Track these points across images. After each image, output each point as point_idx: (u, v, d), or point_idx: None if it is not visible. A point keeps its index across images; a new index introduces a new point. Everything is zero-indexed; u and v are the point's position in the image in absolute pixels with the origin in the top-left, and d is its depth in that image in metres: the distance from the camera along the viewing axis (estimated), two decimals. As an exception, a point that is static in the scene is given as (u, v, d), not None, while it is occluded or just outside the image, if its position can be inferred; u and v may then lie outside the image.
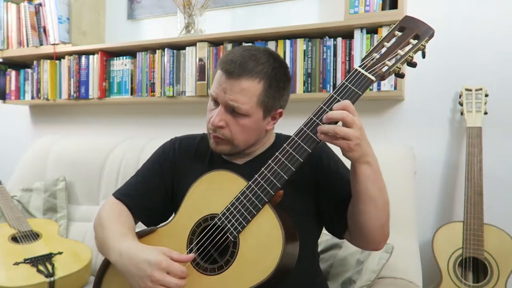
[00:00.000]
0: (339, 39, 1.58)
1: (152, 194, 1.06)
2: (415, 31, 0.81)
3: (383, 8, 1.51)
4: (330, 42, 1.59)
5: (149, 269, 0.80)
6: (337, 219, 0.96)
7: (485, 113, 1.46)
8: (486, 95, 1.47)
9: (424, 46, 0.81)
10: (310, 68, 1.62)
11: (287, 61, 1.65)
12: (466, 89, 1.49)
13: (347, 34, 1.58)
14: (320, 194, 0.98)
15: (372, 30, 1.54)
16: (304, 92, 1.63)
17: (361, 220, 0.87)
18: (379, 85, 1.53)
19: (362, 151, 0.80)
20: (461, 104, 1.50)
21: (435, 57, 1.59)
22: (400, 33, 0.82)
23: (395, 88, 1.51)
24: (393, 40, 0.82)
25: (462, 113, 1.49)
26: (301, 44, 1.64)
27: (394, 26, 0.83)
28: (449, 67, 1.58)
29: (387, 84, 1.52)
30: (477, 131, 1.44)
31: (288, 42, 1.66)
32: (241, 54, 0.93)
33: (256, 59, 0.93)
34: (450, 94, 1.59)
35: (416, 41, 0.80)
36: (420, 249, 1.32)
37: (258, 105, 0.93)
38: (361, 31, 1.54)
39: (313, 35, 1.63)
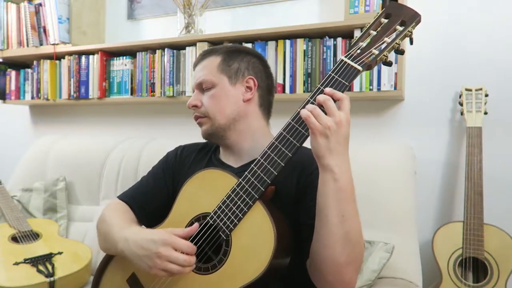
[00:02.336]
0: (339, 39, 1.58)
1: (155, 197, 1.08)
2: (401, 17, 0.78)
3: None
4: (330, 42, 1.59)
5: (154, 247, 0.81)
6: (304, 241, 0.87)
7: (485, 113, 1.46)
8: (486, 95, 1.47)
9: (411, 32, 0.78)
10: (310, 68, 1.62)
11: (287, 61, 1.65)
12: (466, 89, 1.49)
13: (347, 34, 1.58)
14: (298, 209, 0.92)
15: (372, 30, 1.54)
16: (304, 92, 1.63)
17: (316, 246, 0.79)
18: (379, 85, 1.53)
19: (326, 149, 0.73)
20: (461, 104, 1.50)
21: (435, 57, 1.60)
22: (386, 20, 0.79)
23: (395, 88, 1.51)
24: (379, 28, 0.79)
25: (462, 113, 1.49)
26: (301, 44, 1.64)
27: (379, 13, 0.81)
28: (449, 67, 1.58)
29: (387, 84, 1.52)
30: (477, 131, 1.44)
31: (288, 42, 1.66)
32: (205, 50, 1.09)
33: (214, 47, 1.07)
34: (450, 94, 1.59)
35: (403, 27, 0.78)
36: (420, 249, 1.32)
37: (219, 72, 1.01)
38: (361, 31, 1.53)
39: (313, 35, 1.63)
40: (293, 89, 1.64)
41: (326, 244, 0.76)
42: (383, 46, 0.77)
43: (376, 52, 0.77)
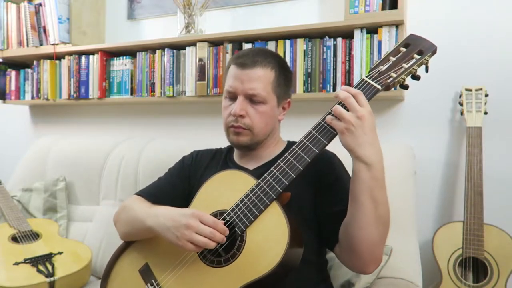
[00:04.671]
0: (339, 39, 1.58)
1: (172, 196, 1.12)
2: (419, 47, 0.86)
3: (383, 8, 1.51)
4: (330, 42, 1.59)
5: (183, 219, 0.85)
6: (330, 231, 0.95)
7: (485, 113, 1.46)
8: (486, 95, 1.47)
9: (427, 60, 0.86)
10: (310, 68, 1.62)
11: (287, 61, 1.64)
12: (466, 89, 1.49)
13: (347, 34, 1.58)
14: (317, 204, 0.99)
15: (372, 30, 1.54)
16: (304, 92, 1.63)
17: (350, 229, 0.85)
18: (379, 85, 1.53)
19: (356, 143, 0.79)
20: (461, 104, 1.50)
21: (435, 57, 1.58)
22: (405, 49, 0.88)
23: (395, 88, 1.51)
24: (398, 55, 0.87)
25: (462, 113, 1.49)
26: (301, 44, 1.64)
27: (399, 43, 0.90)
28: (449, 67, 1.58)
29: (387, 84, 1.52)
30: (477, 131, 1.44)
31: (288, 42, 1.66)
32: (250, 49, 1.07)
33: (264, 53, 1.05)
34: (450, 94, 1.59)
35: (420, 56, 0.86)
36: (420, 249, 1.32)
37: (273, 91, 1.03)
38: (361, 31, 1.54)
39: (313, 35, 1.63)
40: (293, 89, 1.64)
41: (362, 226, 0.83)
42: (400, 71, 0.85)
43: (394, 75, 0.85)
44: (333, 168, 1.02)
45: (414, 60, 0.85)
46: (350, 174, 0.99)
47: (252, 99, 1.01)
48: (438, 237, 1.45)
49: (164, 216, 0.91)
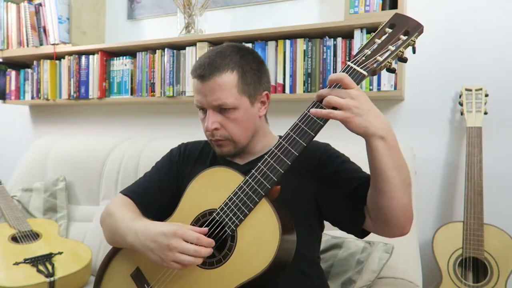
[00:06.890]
0: (339, 39, 1.58)
1: (158, 192, 1.09)
2: (405, 28, 0.82)
3: (383, 8, 1.51)
4: (330, 42, 1.59)
5: (165, 239, 0.82)
6: (351, 213, 0.92)
7: (485, 113, 1.46)
8: (486, 95, 1.47)
9: (414, 41, 0.82)
10: (310, 68, 1.62)
11: (287, 61, 1.65)
12: (466, 89, 1.49)
13: (347, 34, 1.58)
14: (326, 198, 0.96)
15: (372, 30, 1.54)
16: (304, 92, 1.63)
17: (381, 201, 0.83)
18: (379, 85, 1.53)
19: (366, 122, 0.76)
20: (461, 104, 1.50)
21: (435, 57, 1.60)
22: (390, 30, 0.83)
23: (395, 88, 1.51)
24: (384, 36, 0.83)
25: (462, 113, 1.49)
26: (301, 44, 1.64)
27: (384, 23, 0.85)
28: (449, 67, 1.58)
29: (387, 84, 1.52)
30: (477, 131, 1.45)
31: (288, 42, 1.66)
32: (207, 55, 0.99)
33: (221, 54, 0.98)
34: (450, 94, 1.59)
35: (406, 37, 0.82)
36: (420, 249, 1.32)
37: (241, 94, 0.96)
38: (361, 31, 1.54)
39: (313, 35, 1.63)
40: (293, 89, 1.64)
41: (393, 196, 0.81)
42: (387, 54, 0.81)
43: (381, 59, 0.81)
44: (333, 156, 1.00)
45: (400, 42, 0.81)
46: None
47: (221, 109, 0.97)
48: (438, 237, 1.45)
49: (144, 234, 0.87)
